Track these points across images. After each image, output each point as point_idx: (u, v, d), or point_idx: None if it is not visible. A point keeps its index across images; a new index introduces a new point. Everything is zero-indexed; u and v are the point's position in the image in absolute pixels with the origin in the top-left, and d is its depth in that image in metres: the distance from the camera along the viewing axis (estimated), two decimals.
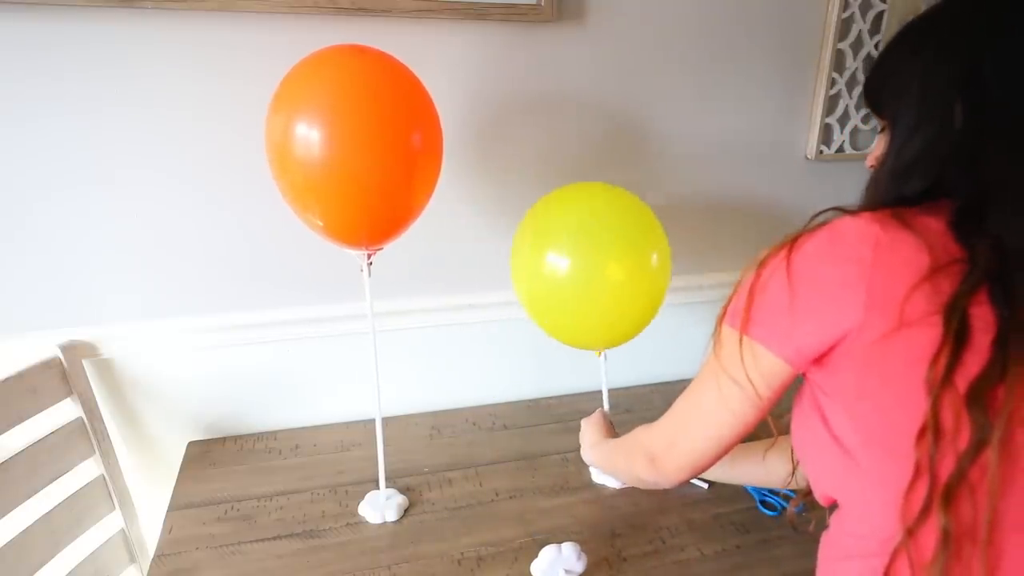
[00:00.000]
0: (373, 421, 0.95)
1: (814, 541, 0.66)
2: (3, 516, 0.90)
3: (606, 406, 1.06)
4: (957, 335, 0.50)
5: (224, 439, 1.13)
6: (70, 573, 1.00)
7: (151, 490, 1.13)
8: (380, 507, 0.95)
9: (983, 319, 0.50)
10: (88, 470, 1.04)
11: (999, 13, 0.57)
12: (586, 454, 0.97)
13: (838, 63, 1.20)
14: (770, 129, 1.23)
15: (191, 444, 1.12)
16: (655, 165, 1.19)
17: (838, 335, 0.55)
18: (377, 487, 0.98)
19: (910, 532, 0.52)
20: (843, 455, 0.57)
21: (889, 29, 1.20)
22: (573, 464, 1.07)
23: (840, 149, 1.26)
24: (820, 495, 0.64)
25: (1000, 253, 0.51)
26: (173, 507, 0.97)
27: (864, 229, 0.54)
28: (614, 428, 0.98)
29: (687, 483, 0.99)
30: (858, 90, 1.23)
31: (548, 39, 1.06)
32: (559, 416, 1.22)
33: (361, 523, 0.94)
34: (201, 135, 0.97)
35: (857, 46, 1.20)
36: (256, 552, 0.89)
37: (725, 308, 0.64)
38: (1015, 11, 0.56)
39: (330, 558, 0.88)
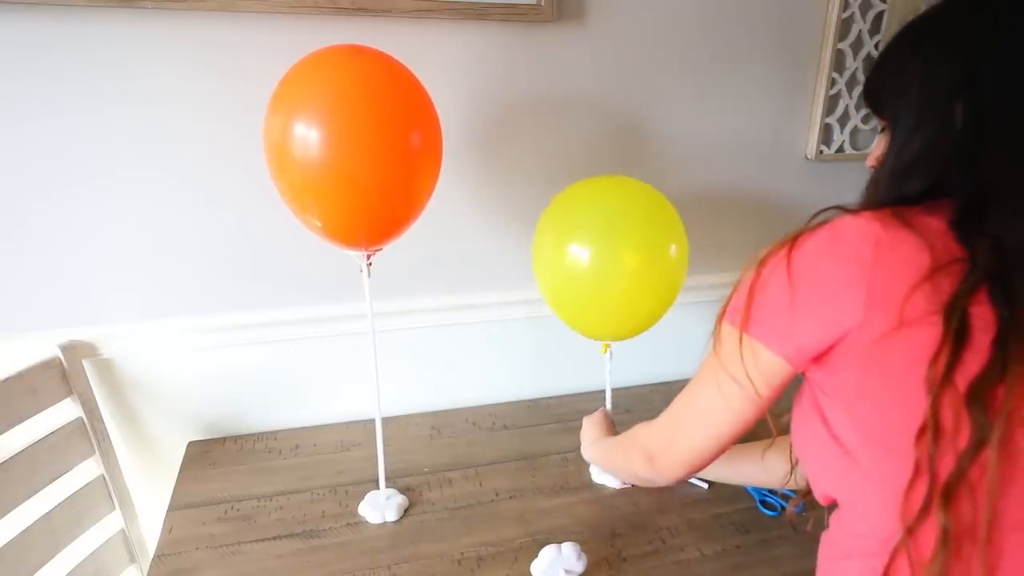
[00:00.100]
0: (373, 421, 0.95)
1: (814, 541, 0.66)
2: (3, 516, 0.89)
3: (609, 405, 1.06)
4: (957, 334, 0.50)
5: (224, 439, 1.13)
6: (70, 573, 1.00)
7: (151, 490, 1.13)
8: (380, 507, 0.95)
9: (983, 319, 0.50)
10: (88, 470, 1.04)
11: (999, 13, 0.57)
12: (586, 451, 0.98)
13: (838, 63, 1.21)
14: (770, 129, 1.23)
15: (191, 444, 1.12)
16: (655, 165, 1.19)
17: (838, 334, 0.55)
18: (377, 487, 0.98)
19: (910, 531, 0.52)
20: (843, 454, 0.57)
21: (889, 29, 1.20)
22: (573, 464, 1.07)
23: (840, 149, 1.26)
24: (820, 495, 0.64)
25: (1000, 253, 0.52)
26: (173, 507, 0.97)
27: (865, 228, 0.54)
28: (615, 427, 0.98)
29: (686, 482, 1.00)
30: (858, 90, 1.23)
31: (548, 39, 1.06)
32: (559, 416, 1.22)
33: (361, 523, 0.94)
34: (201, 135, 0.97)
35: (857, 46, 1.20)
36: (256, 552, 0.89)
37: (725, 306, 0.64)
38: (1015, 11, 0.56)
39: (330, 558, 0.88)
